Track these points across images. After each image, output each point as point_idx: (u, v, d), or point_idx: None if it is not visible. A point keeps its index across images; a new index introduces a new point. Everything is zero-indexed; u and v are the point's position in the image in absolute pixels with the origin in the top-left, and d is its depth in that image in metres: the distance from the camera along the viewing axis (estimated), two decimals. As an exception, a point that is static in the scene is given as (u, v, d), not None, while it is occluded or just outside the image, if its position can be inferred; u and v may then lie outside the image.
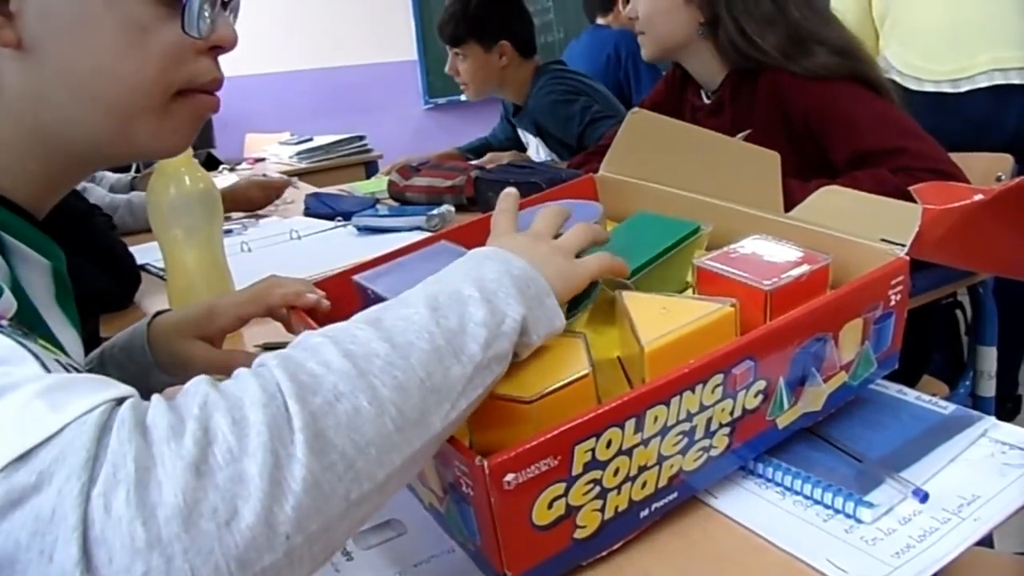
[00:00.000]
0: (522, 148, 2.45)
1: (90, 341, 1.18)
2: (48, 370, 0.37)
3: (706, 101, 1.37)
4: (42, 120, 0.50)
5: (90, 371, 0.77)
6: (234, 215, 1.82)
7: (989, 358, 1.37)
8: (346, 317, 0.62)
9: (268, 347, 0.94)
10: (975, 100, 1.67)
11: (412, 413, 0.40)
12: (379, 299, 0.69)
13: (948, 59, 1.69)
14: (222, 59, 0.56)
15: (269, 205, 1.92)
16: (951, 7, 1.70)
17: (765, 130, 1.21)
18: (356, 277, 0.74)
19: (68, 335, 0.54)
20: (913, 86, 1.73)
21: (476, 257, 0.53)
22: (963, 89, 1.68)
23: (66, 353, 0.51)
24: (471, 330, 0.45)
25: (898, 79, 1.73)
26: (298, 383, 0.38)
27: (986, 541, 1.17)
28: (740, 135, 1.20)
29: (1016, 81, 1.65)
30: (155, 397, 0.37)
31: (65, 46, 0.48)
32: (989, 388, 1.37)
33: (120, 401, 0.35)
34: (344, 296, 0.74)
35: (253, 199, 1.89)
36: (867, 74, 1.18)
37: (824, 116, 1.16)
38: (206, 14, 0.52)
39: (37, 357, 0.38)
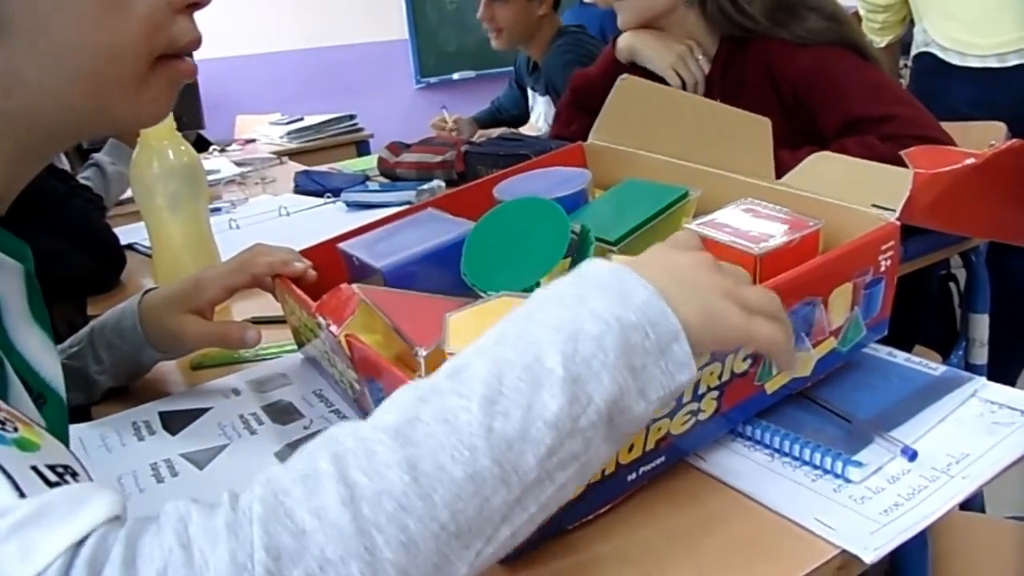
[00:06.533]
0: (526, 116, 2.46)
1: (79, 323, 1.17)
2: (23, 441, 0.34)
3: None
4: (14, 98, 0.46)
5: (77, 352, 0.77)
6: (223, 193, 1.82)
7: (982, 326, 1.37)
8: (331, 286, 0.62)
9: (257, 321, 0.94)
10: None
11: (421, 570, 0.33)
12: (364, 266, 0.69)
13: (994, 32, 1.59)
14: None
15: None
16: None
17: (756, 103, 1.19)
18: (341, 245, 0.73)
19: (36, 341, 0.51)
20: (956, 61, 1.64)
21: (585, 282, 0.42)
22: (1011, 63, 1.58)
23: (33, 374, 0.49)
24: (534, 435, 0.36)
25: (939, 53, 1.66)
26: (275, 552, 0.32)
27: (977, 506, 1.19)
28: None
29: None
30: (122, 535, 0.32)
31: (39, 20, 0.44)
32: (982, 356, 1.37)
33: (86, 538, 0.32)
34: (331, 265, 0.73)
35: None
36: (856, 40, 1.18)
37: (814, 82, 1.15)
38: None
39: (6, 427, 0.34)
